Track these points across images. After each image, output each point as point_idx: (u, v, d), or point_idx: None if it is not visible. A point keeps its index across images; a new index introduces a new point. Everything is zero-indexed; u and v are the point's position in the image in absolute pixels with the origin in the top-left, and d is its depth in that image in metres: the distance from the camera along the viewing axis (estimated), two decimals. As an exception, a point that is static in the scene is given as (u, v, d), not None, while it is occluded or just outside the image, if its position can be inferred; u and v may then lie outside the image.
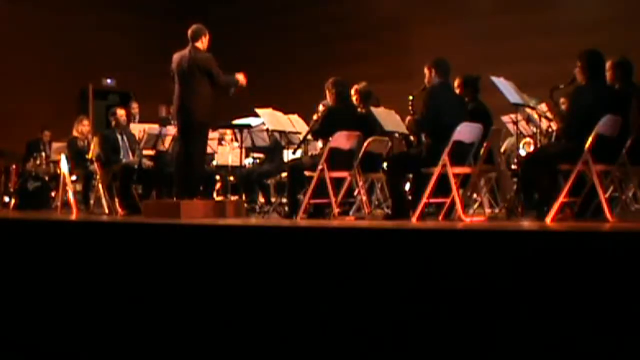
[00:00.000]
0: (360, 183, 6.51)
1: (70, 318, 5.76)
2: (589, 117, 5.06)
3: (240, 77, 6.84)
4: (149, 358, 5.26)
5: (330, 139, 6.19)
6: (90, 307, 5.63)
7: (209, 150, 7.83)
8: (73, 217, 7.76)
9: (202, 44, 6.78)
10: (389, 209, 6.31)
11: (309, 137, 6.98)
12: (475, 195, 6.53)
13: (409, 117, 6.18)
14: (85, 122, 8.72)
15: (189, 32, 6.80)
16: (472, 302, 3.86)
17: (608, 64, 5.70)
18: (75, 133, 8.56)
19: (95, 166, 8.06)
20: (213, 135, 8.22)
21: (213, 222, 6.03)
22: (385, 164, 6.38)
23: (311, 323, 4.43)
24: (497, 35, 11.05)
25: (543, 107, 6.53)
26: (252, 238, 5.07)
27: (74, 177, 8.43)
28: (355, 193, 6.89)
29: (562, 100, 6.20)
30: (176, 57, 6.81)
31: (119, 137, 8.16)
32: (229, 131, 8.77)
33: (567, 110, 5.44)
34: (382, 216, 6.23)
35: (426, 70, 5.94)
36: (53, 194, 9.82)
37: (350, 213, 6.77)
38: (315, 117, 6.84)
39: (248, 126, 7.92)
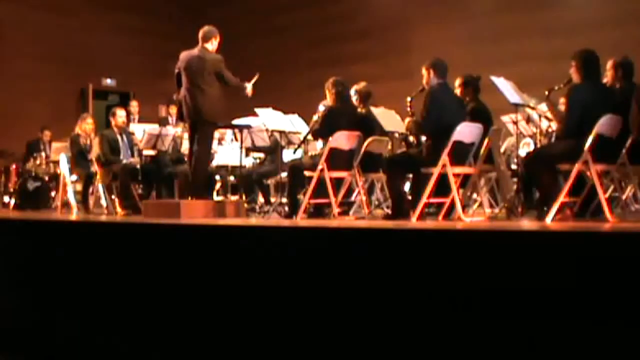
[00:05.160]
0: (360, 183, 6.51)
1: (70, 318, 5.76)
2: (587, 116, 5.07)
3: (249, 88, 6.91)
4: (148, 357, 5.26)
5: (330, 139, 6.19)
6: (90, 307, 5.63)
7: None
8: (73, 217, 7.76)
9: (212, 45, 6.84)
10: (389, 209, 6.31)
11: (309, 137, 6.98)
12: (475, 195, 6.53)
13: (408, 119, 6.18)
14: (89, 120, 8.67)
15: (200, 32, 6.85)
16: (472, 302, 3.86)
17: (609, 64, 5.69)
18: (78, 130, 8.53)
19: (95, 166, 8.07)
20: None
21: (213, 222, 6.03)
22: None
23: (311, 323, 4.43)
24: (497, 35, 11.05)
25: (543, 107, 6.53)
26: (252, 238, 5.07)
27: (74, 177, 8.43)
28: (355, 193, 6.89)
29: (561, 100, 6.19)
30: (184, 56, 6.84)
31: (119, 137, 8.16)
32: (229, 131, 8.77)
33: (565, 110, 5.44)
34: (382, 216, 6.22)
35: (424, 71, 5.93)
36: (53, 194, 9.82)
37: (350, 213, 6.77)
38: (315, 117, 6.84)
39: (248, 126, 7.92)
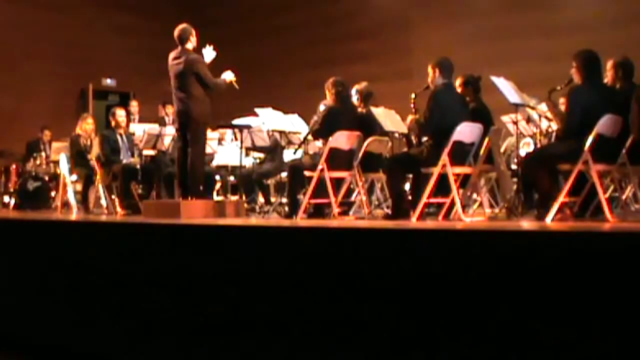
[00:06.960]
0: (360, 183, 6.52)
1: (70, 318, 5.76)
2: (588, 117, 5.07)
3: (228, 76, 6.83)
4: (149, 357, 5.26)
5: (330, 139, 6.19)
6: (90, 307, 5.63)
7: (208, 150, 7.83)
8: (73, 217, 7.76)
9: (192, 43, 6.79)
10: (389, 209, 6.31)
11: (309, 137, 6.98)
12: (475, 195, 6.53)
13: (411, 117, 6.17)
14: (90, 120, 8.68)
15: (176, 34, 6.78)
16: (472, 303, 3.86)
17: (609, 64, 5.69)
18: (78, 130, 8.53)
19: (95, 166, 8.07)
20: (213, 135, 8.22)
21: (213, 222, 6.03)
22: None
23: (311, 323, 4.43)
24: (497, 35, 11.05)
25: (543, 107, 6.53)
26: (252, 238, 5.07)
27: (74, 177, 8.43)
28: (355, 193, 6.89)
29: (562, 100, 6.20)
30: (169, 58, 6.84)
31: (119, 137, 8.17)
32: (229, 131, 8.77)
33: (565, 110, 5.44)
34: (382, 216, 6.22)
35: (430, 70, 5.91)
36: (53, 194, 9.82)
37: (350, 213, 6.77)
38: (315, 117, 6.84)
39: (248, 126, 7.92)
